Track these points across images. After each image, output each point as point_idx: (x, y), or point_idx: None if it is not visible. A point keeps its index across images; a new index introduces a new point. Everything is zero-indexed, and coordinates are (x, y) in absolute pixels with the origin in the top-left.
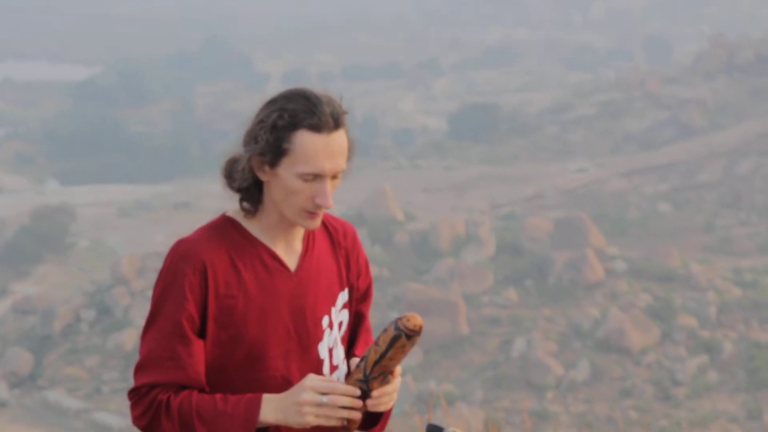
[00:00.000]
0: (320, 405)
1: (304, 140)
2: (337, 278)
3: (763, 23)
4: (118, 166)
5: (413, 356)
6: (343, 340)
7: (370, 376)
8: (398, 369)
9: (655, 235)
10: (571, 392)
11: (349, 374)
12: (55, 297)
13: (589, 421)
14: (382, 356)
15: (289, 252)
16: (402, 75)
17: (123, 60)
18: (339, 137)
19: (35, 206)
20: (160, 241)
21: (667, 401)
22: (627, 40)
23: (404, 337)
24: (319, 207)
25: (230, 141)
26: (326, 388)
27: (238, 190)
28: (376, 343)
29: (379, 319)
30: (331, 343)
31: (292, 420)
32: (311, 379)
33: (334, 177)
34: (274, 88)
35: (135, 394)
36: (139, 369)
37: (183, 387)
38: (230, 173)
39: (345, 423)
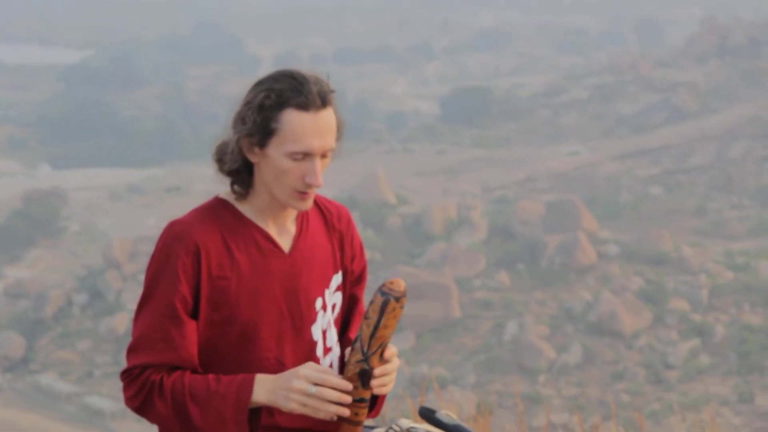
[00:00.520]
0: (308, 395)
1: (292, 119)
2: (331, 261)
3: (754, 6)
4: (110, 149)
5: (406, 340)
6: (336, 322)
7: (368, 353)
8: (395, 349)
9: (647, 218)
10: (563, 375)
11: (343, 359)
12: (47, 281)
13: (581, 405)
14: (376, 327)
15: (283, 233)
16: (394, 58)
17: (114, 43)
18: (327, 115)
19: (27, 190)
20: (152, 224)
21: (659, 384)
22: (619, 23)
23: (393, 300)
24: (309, 186)
25: (221, 125)
26: (318, 379)
27: (229, 173)
28: (366, 317)
29: None
30: (324, 324)
31: (280, 404)
32: (307, 367)
33: (323, 156)
34: (266, 71)
35: (127, 375)
36: (132, 350)
37: (176, 368)
38: (221, 156)
39: (333, 418)
